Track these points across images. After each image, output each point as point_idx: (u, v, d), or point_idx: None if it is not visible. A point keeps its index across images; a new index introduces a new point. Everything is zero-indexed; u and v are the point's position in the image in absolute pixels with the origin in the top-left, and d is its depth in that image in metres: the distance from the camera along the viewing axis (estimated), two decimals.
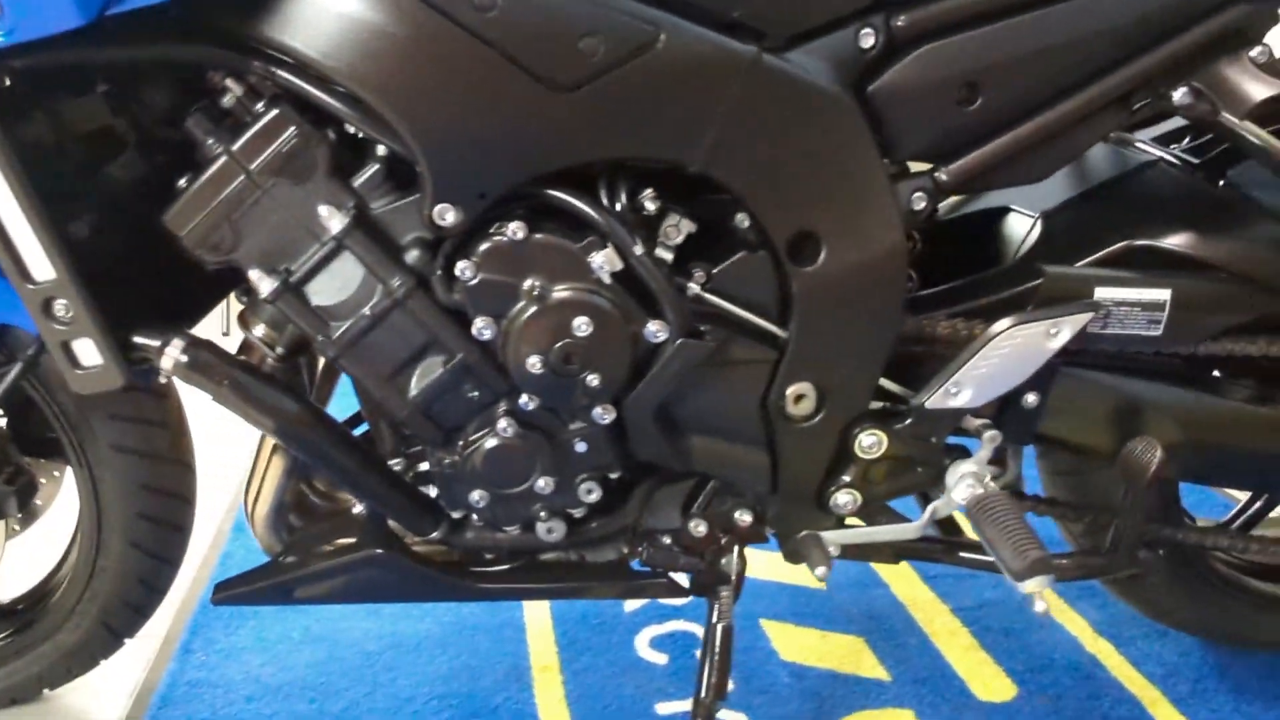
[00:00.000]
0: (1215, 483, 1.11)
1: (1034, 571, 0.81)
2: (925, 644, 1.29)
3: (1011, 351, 0.88)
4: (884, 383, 0.91)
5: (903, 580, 1.41)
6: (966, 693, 1.20)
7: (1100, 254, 0.93)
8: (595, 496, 0.90)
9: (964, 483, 0.91)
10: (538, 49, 0.73)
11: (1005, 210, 1.04)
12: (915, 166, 0.90)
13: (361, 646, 1.29)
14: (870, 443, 0.90)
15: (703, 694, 0.98)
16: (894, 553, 1.00)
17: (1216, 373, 1.04)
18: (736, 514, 0.97)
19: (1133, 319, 0.91)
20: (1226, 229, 0.93)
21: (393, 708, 1.18)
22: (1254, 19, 0.86)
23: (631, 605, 1.38)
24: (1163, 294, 0.91)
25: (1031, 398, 0.94)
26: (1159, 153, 1.02)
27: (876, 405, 0.92)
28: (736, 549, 0.99)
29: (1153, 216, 0.95)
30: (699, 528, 0.97)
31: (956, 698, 1.19)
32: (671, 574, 0.99)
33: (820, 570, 0.90)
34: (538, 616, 1.35)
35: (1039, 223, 0.99)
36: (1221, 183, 0.96)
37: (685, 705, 1.18)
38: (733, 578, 0.98)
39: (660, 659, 1.27)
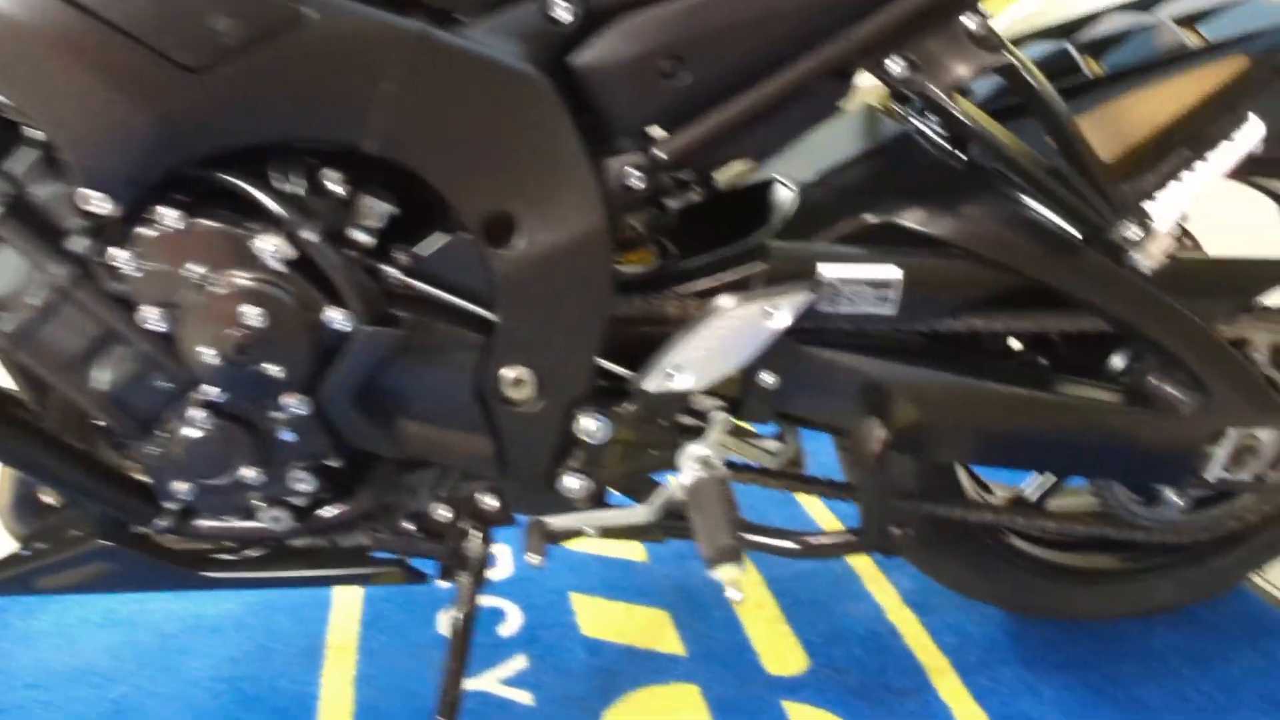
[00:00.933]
0: (984, 462, 1.09)
1: (721, 559, 0.80)
2: (730, 617, 1.29)
3: (730, 332, 0.86)
4: (610, 365, 0.89)
5: None
6: (757, 666, 1.20)
7: (839, 230, 0.91)
8: (310, 486, 0.88)
9: (689, 466, 0.89)
10: (161, 28, 0.69)
11: (772, 181, 1.01)
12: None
13: (160, 628, 1.27)
14: (592, 426, 0.88)
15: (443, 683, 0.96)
16: (643, 534, 0.99)
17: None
18: (480, 498, 0.96)
19: (863, 297, 0.89)
20: (963, 206, 0.90)
21: (174, 692, 1.17)
22: None
23: (447, 581, 1.37)
24: (892, 271, 0.89)
25: (768, 377, 0.92)
26: (917, 124, 0.99)
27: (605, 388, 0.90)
28: (482, 534, 0.97)
29: (895, 191, 0.93)
30: (442, 512, 0.96)
31: (745, 672, 1.19)
32: (426, 558, 0.98)
33: (534, 559, 0.88)
34: (347, 594, 1.34)
35: (797, 195, 0.97)
36: (966, 158, 0.94)
37: (474, 684, 1.17)
38: (476, 563, 0.97)
39: None
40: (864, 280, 0.89)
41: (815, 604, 1.31)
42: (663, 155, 0.84)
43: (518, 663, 1.22)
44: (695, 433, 0.92)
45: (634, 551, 1.43)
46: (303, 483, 0.87)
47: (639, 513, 0.92)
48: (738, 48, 0.82)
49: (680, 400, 0.89)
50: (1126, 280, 0.88)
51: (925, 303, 0.91)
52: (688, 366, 0.87)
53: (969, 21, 0.83)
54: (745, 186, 1.07)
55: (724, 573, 0.80)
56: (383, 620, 1.29)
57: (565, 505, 0.93)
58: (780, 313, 0.86)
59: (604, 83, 0.81)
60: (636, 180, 0.84)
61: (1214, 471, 1.00)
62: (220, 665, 1.21)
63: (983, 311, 0.93)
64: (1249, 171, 1.03)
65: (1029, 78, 0.84)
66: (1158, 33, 0.98)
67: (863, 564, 1.38)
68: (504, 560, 1.41)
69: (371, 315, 0.80)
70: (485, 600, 1.33)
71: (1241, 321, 0.99)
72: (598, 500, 0.95)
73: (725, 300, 0.86)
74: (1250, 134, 0.80)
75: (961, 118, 0.81)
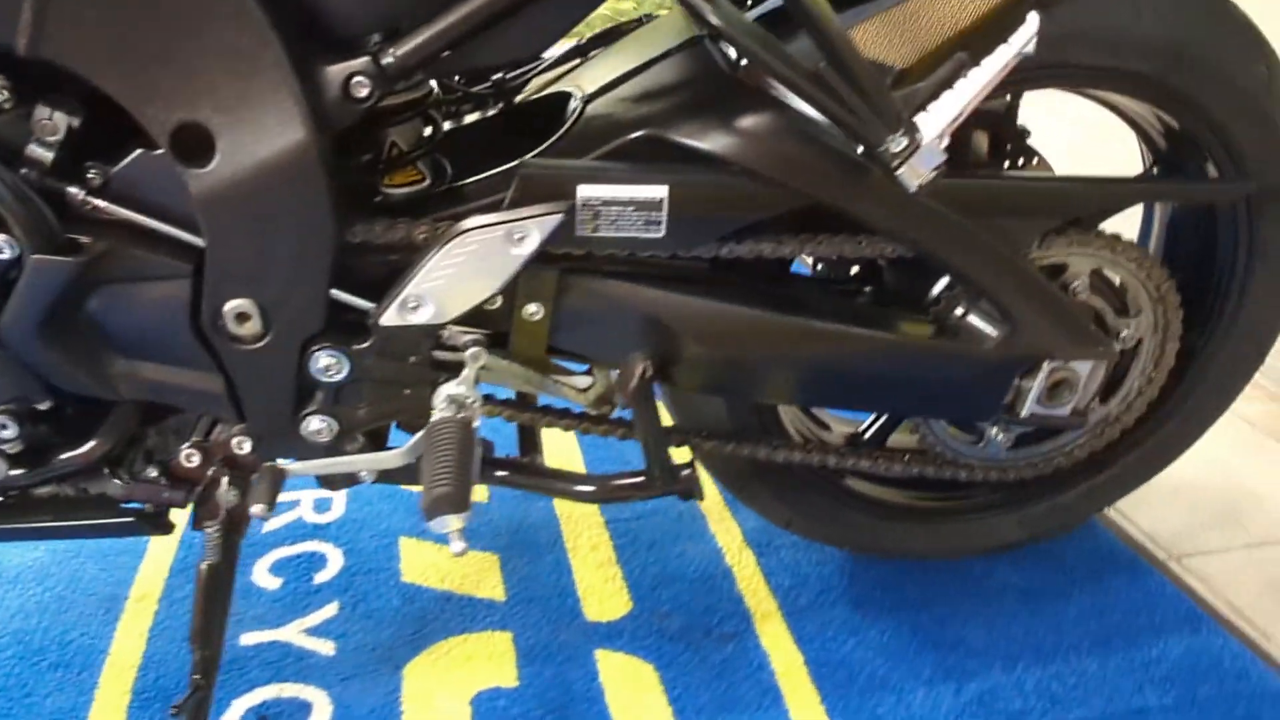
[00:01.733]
0: (782, 400, 1.02)
1: (436, 509, 0.73)
2: (560, 560, 1.23)
3: (471, 258, 0.78)
4: (347, 297, 0.81)
5: None
6: (576, 612, 1.15)
7: (607, 146, 0.82)
8: (11, 432, 0.80)
9: (442, 406, 0.82)
10: None
11: (566, 94, 0.92)
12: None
13: None
14: (327, 364, 0.81)
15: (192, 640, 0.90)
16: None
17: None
18: (235, 443, 0.88)
19: (627, 219, 0.81)
20: (739, 119, 0.81)
21: None
22: None
23: (271, 525, 1.31)
24: (657, 190, 0.80)
25: (533, 308, 0.84)
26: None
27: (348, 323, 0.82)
28: (240, 482, 0.90)
29: (672, 104, 0.84)
30: (191, 458, 0.88)
31: (563, 618, 1.14)
32: (171, 506, 0.91)
33: (256, 508, 0.81)
34: (162, 541, 1.27)
35: (578, 107, 0.88)
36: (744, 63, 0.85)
37: (275, 634, 1.11)
38: (230, 513, 0.89)
39: (273, 584, 1.20)
40: (626, 200, 0.80)
41: (654, 545, 1.26)
42: (391, 61, 0.75)
43: (328, 611, 1.15)
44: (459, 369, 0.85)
45: (475, 493, 1.36)
46: (4, 429, 0.80)
47: (388, 457, 0.85)
48: None
49: (429, 335, 0.82)
50: (912, 201, 0.80)
51: (699, 224, 0.82)
52: (428, 298, 0.79)
53: None
54: (541, 99, 0.98)
55: (442, 524, 0.73)
56: (191, 569, 1.22)
57: (316, 450, 0.86)
58: (529, 238, 0.78)
59: None
60: (363, 89, 0.75)
61: (1029, 407, 0.94)
62: (13, 618, 1.14)
63: (769, 235, 0.85)
64: (1081, 83, 0.95)
65: None
66: None
67: (710, 504, 1.33)
68: (337, 502, 1.34)
69: (44, 241, 0.71)
70: (307, 545, 1.27)
71: (1058, 246, 0.91)
72: (358, 441, 0.88)
73: (466, 224, 0.78)
74: (1024, 35, 0.71)
75: (712, 18, 0.72)
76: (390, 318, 0.79)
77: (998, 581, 1.18)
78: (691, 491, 0.92)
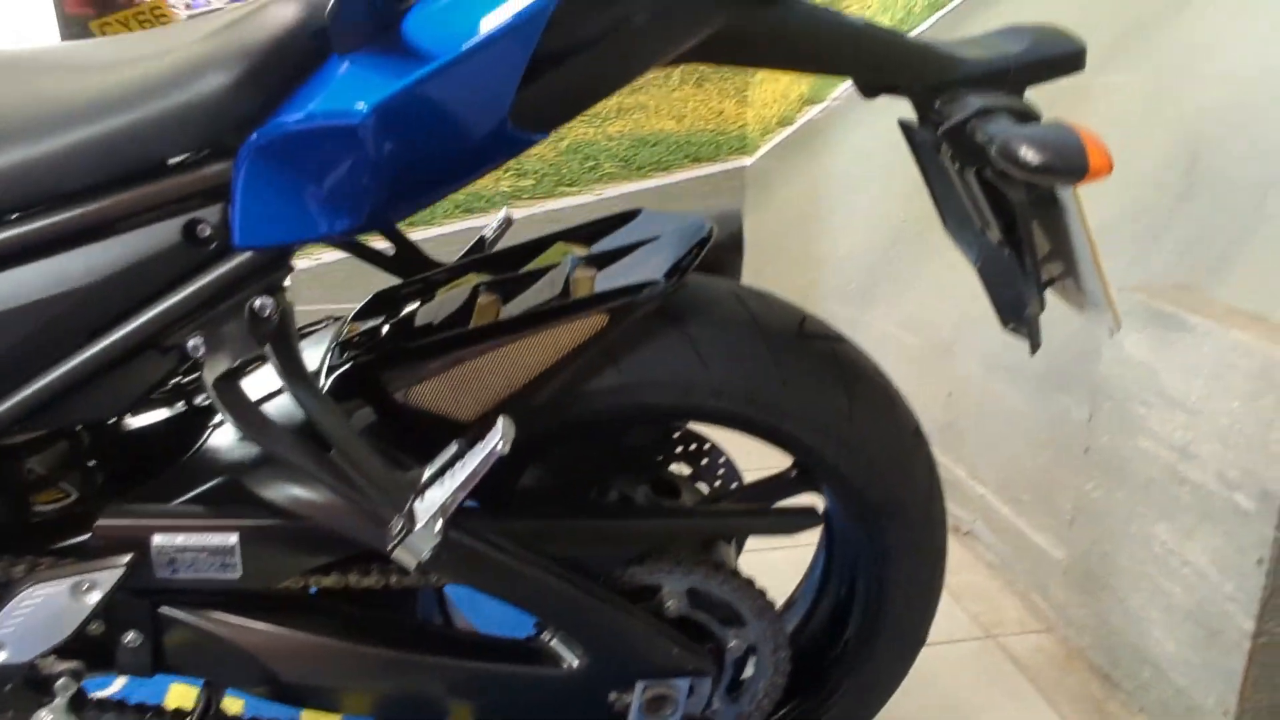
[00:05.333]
0: None
1: None
2: None
3: (38, 609, 0.85)
4: None
5: None
6: None
7: (194, 493, 0.90)
8: None
9: None
10: None
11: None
12: None
13: None
14: None
15: None
16: None
17: None
18: None
19: (203, 564, 0.88)
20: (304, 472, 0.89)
21: None
22: None
23: None
24: (229, 538, 0.87)
25: (132, 635, 0.90)
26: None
27: None
28: None
29: (251, 451, 0.92)
30: None
31: None
32: None
33: None
34: None
35: (206, 436, 0.96)
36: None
37: None
38: None
39: None
40: (199, 548, 0.87)
41: None
42: None
43: None
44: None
45: None
46: None
47: None
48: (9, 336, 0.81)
49: (13, 670, 0.88)
50: (454, 547, 0.86)
51: (274, 564, 0.89)
52: (5, 641, 0.86)
53: (259, 300, 0.81)
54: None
55: None
56: None
57: None
58: (96, 589, 0.85)
59: None
60: None
61: None
62: None
63: (331, 571, 0.91)
64: (679, 418, 1.01)
65: (289, 361, 0.82)
66: (554, 279, 0.97)
67: None
68: None
69: None
70: None
71: (648, 568, 0.96)
72: None
73: (32, 578, 0.85)
74: (496, 437, 0.78)
75: (221, 406, 0.79)
76: None
77: None
78: None
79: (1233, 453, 1.17)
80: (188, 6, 4.26)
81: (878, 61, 0.85)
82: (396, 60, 0.68)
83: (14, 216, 0.78)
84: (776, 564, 1.17)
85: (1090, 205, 0.86)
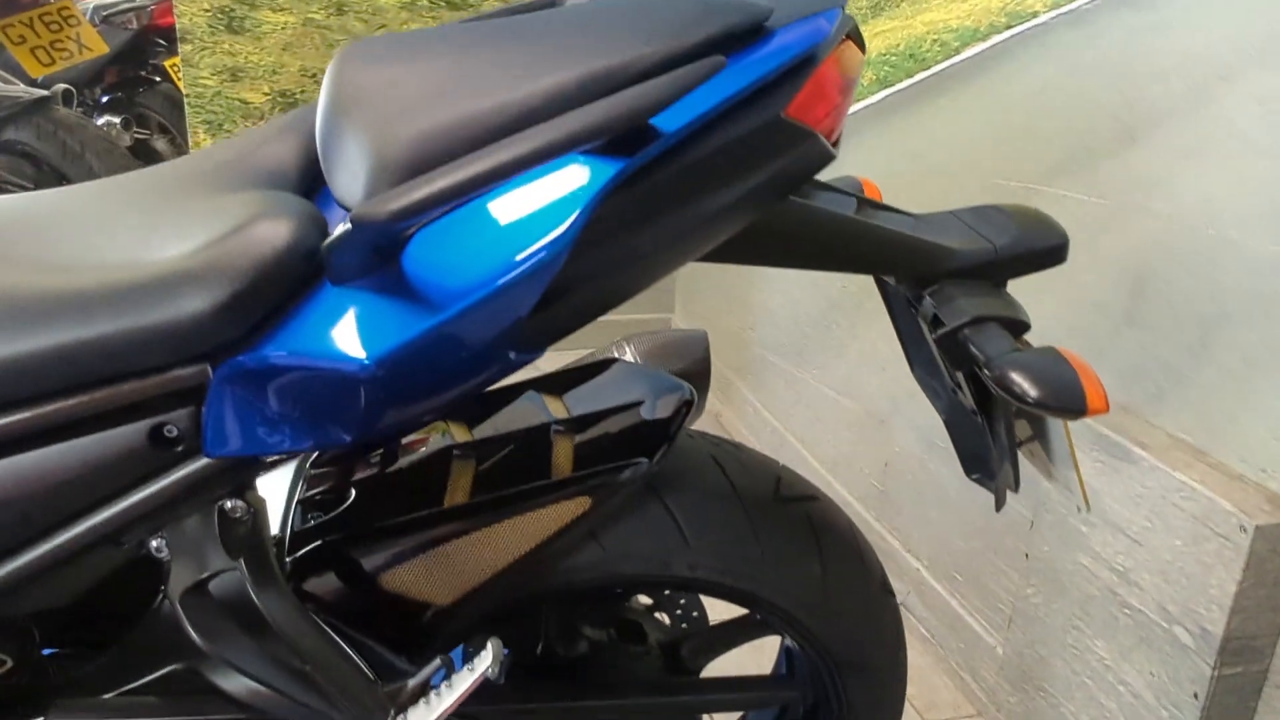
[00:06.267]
0: None
1: None
2: None
3: None
4: None
5: None
6: None
7: (144, 680, 0.85)
8: None
9: None
10: None
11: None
12: None
13: None
14: None
15: None
16: None
17: None
18: None
19: None
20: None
21: None
22: None
23: None
24: None
25: None
26: None
27: None
28: None
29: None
30: None
31: None
32: None
33: None
34: None
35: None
36: None
37: None
38: None
39: None
40: None
41: None
42: None
43: None
44: None
45: None
46: None
47: None
48: None
49: None
50: None
51: None
52: None
53: (230, 502, 0.77)
54: None
55: None
56: None
57: None
58: None
59: None
60: None
61: None
62: None
63: None
64: (661, 588, 1.01)
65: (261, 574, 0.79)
66: (530, 445, 0.95)
67: None
68: None
69: None
70: None
71: None
72: None
73: None
74: (486, 659, 0.76)
75: (186, 623, 0.75)
76: None
77: None
78: None
79: (1173, 588, 1.22)
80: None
81: (871, 257, 0.84)
82: (399, 301, 0.64)
83: None
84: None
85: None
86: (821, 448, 2.26)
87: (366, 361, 0.63)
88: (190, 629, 0.75)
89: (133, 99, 4.39)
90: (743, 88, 0.68)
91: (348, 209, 0.70)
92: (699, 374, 1.12)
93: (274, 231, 0.67)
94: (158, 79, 4.42)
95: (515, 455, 0.95)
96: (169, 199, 0.79)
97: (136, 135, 4.36)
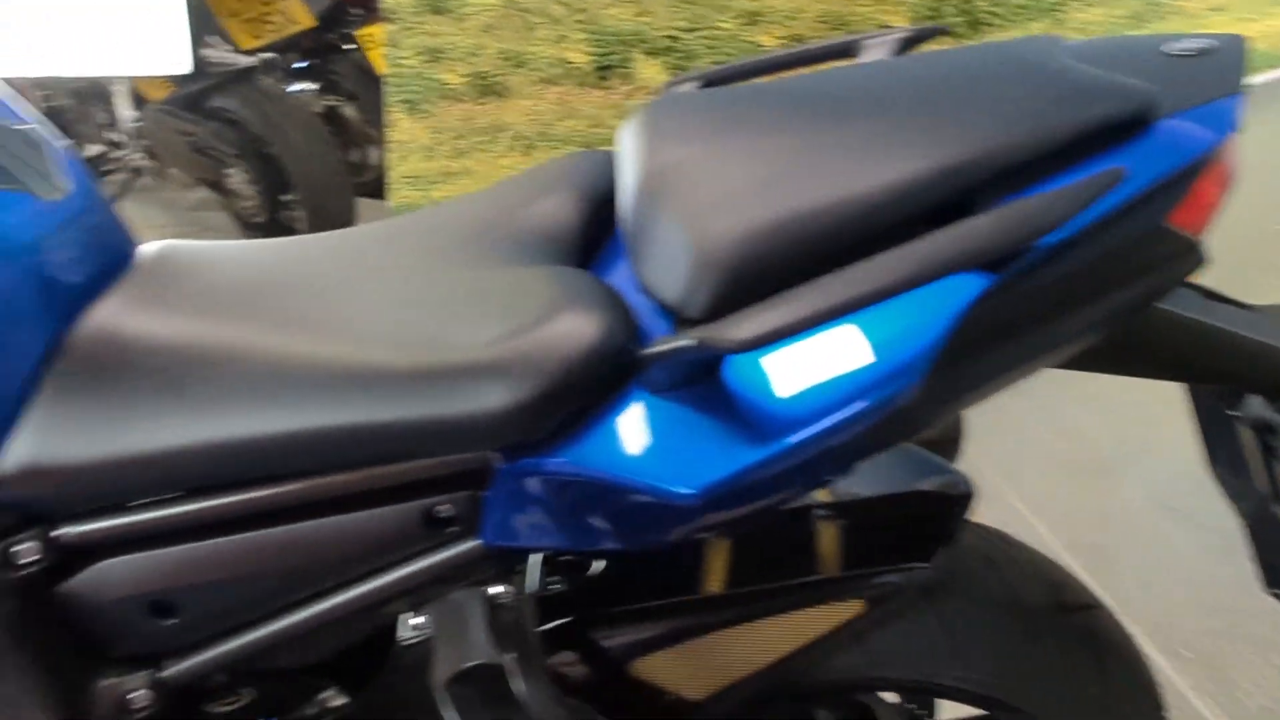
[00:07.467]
0: None
1: None
2: None
3: None
4: None
5: None
6: None
7: None
8: None
9: None
10: None
11: None
12: None
13: None
14: None
15: None
16: None
17: None
18: None
19: None
20: None
21: None
22: None
23: None
24: None
25: None
26: None
27: None
28: None
29: None
30: None
31: None
32: None
33: None
34: None
35: None
36: None
37: None
38: None
39: None
40: None
41: None
42: (169, 675, 0.77)
43: None
44: None
45: None
46: None
47: None
48: (229, 596, 0.74)
49: None
50: None
51: None
52: None
53: (496, 588, 0.74)
54: None
55: None
56: None
57: None
58: None
59: (88, 616, 0.74)
60: (142, 699, 0.78)
61: None
62: None
63: None
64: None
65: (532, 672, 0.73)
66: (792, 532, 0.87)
67: None
68: None
69: None
70: None
71: None
72: None
73: None
74: None
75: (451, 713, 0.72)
76: None
77: None
78: None
79: None
80: None
81: (1227, 368, 0.73)
82: (725, 425, 0.57)
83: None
84: None
85: None
86: (1027, 487, 2.11)
87: (692, 491, 0.57)
88: (456, 716, 0.72)
89: (326, 67, 4.51)
90: (1129, 197, 0.58)
91: (659, 301, 0.64)
92: (951, 441, 1.03)
93: (583, 329, 0.61)
94: (351, 46, 4.52)
95: (777, 542, 0.88)
96: (450, 262, 0.75)
97: (326, 103, 4.49)
